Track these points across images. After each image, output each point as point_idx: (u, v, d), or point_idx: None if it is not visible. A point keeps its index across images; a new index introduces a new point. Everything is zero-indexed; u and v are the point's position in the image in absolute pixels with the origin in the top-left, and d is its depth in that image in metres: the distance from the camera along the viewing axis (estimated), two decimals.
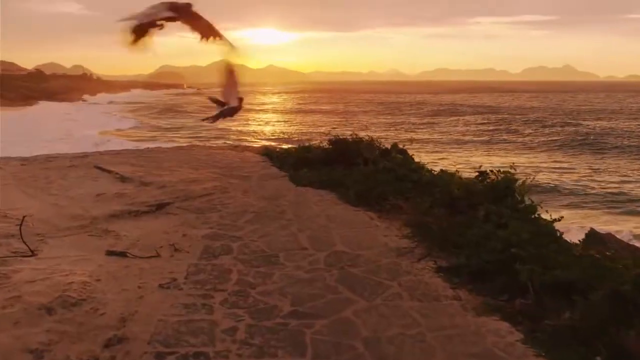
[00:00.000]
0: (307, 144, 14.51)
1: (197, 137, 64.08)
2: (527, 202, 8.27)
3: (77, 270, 6.15)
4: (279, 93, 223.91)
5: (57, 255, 6.77)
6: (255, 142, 56.28)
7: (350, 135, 12.35)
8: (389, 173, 9.73)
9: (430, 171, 10.01)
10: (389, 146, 12.30)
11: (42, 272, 6.02)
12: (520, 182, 8.47)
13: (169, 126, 76.09)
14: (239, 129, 73.51)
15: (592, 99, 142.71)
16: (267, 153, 13.83)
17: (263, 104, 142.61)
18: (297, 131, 69.29)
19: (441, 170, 9.99)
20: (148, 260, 6.79)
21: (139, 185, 10.17)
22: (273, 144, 52.03)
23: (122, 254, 6.90)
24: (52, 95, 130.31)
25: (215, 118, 5.90)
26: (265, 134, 66.57)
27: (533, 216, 7.98)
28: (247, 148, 16.45)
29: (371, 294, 6.03)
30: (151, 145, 48.76)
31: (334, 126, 68.98)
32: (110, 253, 6.93)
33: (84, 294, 5.60)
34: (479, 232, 7.25)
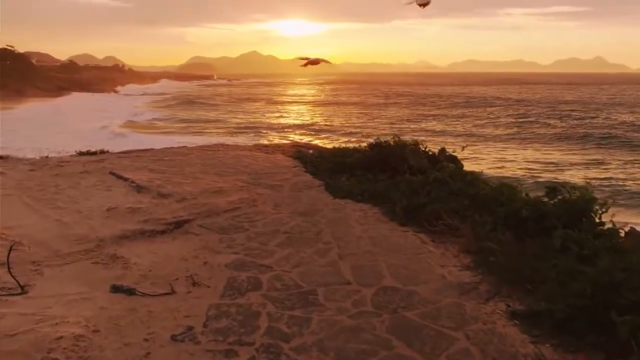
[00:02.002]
0: (343, 146, 13.35)
1: (225, 129, 63.20)
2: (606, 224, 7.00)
3: (70, 317, 5.01)
4: (309, 84, 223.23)
5: (51, 292, 5.63)
6: (287, 136, 55.28)
7: (392, 138, 11.07)
8: (442, 186, 8.41)
9: (487, 184, 8.66)
10: (425, 147, 11.06)
11: (28, 320, 4.89)
12: (601, 202, 7.15)
13: (196, 118, 75.54)
14: (270, 121, 72.82)
15: (623, 92, 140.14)
16: (300, 157, 12.59)
17: (294, 95, 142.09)
18: (330, 124, 68.25)
19: (501, 183, 8.64)
20: (160, 299, 5.62)
21: (156, 197, 9.01)
22: (305, 138, 51.13)
23: (130, 291, 5.73)
24: (85, 86, 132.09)
25: (308, 61, 10.16)
26: (296, 127, 65.40)
27: (616, 242, 6.69)
28: (277, 148, 15.27)
29: (433, 350, 4.80)
30: (176, 138, 48.39)
31: (367, 120, 68.13)
32: (115, 289, 5.77)
33: (76, 353, 4.45)
34: (560, 266, 5.97)
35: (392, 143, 10.93)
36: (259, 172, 11.17)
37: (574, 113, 76.69)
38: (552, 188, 7.70)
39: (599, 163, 40.00)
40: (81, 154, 17.45)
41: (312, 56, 10.30)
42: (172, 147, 15.15)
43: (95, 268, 6.37)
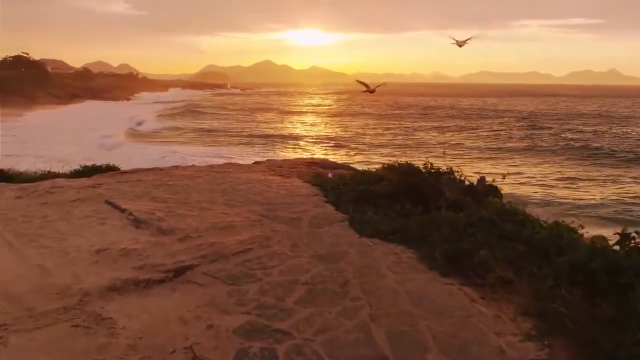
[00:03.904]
0: (366, 169, 12.19)
1: (238, 140, 62.33)
2: None
3: None
4: (322, 94, 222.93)
5: None
6: (301, 148, 54.38)
7: (424, 165, 9.83)
8: (489, 227, 7.12)
9: (541, 224, 7.35)
10: (461, 174, 9.81)
11: None
12: None
13: (208, 128, 74.86)
14: (283, 132, 72.05)
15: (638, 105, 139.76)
16: (319, 183, 11.32)
17: (307, 105, 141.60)
18: (344, 135, 67.39)
19: (556, 222, 7.37)
20: None
21: (156, 234, 7.78)
22: (320, 152, 50.08)
23: None
24: (98, 94, 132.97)
25: (368, 91, 14.16)
26: (311, 139, 64.42)
27: None
28: (292, 168, 14.08)
29: None
30: (187, 149, 47.44)
31: (381, 130, 67.17)
32: None
33: None
34: None
35: (423, 170, 9.69)
36: (274, 201, 9.94)
37: (586, 127, 75.99)
38: (624, 234, 6.45)
39: (614, 178, 39.08)
40: (84, 168, 16.42)
41: (371, 85, 13.50)
42: (179, 167, 14.01)
43: (73, 334, 5.16)
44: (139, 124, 74.12)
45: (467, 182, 9.52)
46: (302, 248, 7.55)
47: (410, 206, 8.93)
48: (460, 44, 9.24)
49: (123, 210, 8.80)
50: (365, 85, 13.78)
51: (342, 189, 10.36)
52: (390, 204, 9.21)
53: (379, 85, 14.57)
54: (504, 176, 9.56)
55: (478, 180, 9.40)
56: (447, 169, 9.64)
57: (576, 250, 6.54)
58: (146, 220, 8.29)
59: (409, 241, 7.69)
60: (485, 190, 9.05)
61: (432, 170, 9.52)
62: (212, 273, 6.56)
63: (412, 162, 12.22)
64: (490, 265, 6.45)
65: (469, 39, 9.27)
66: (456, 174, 9.60)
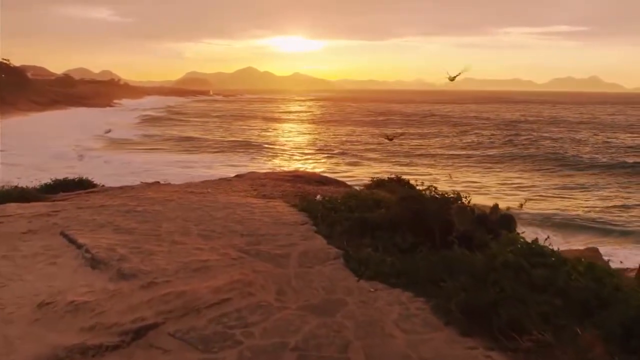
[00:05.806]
0: (357, 189, 11.09)
1: (220, 149, 61.05)
2: None
3: None
4: (305, 101, 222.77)
5: None
6: (284, 158, 53.29)
7: (427, 190, 8.61)
8: (516, 274, 5.89)
9: (577, 269, 6.13)
10: (469, 201, 8.64)
11: None
12: None
13: (189, 136, 73.50)
14: (266, 140, 71.06)
15: (619, 112, 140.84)
16: (307, 208, 9.97)
17: (291, 112, 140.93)
18: (328, 144, 66.31)
19: (591, 264, 6.20)
20: None
21: (115, 279, 6.45)
22: (304, 164, 48.89)
23: None
24: (80, 100, 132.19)
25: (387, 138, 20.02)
26: (294, 148, 63.17)
27: None
28: (277, 187, 12.92)
29: None
30: (166, 157, 46.12)
31: (366, 137, 66.26)
32: None
33: None
34: None
35: (426, 195, 8.48)
36: (256, 232, 8.62)
37: (569, 134, 76.07)
38: None
39: (596, 185, 38.63)
40: (55, 182, 15.63)
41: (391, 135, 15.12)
42: (151, 186, 12.76)
43: None
44: (114, 131, 72.80)
45: (475, 208, 8.34)
46: (290, 295, 6.29)
47: (413, 238, 7.75)
48: (452, 79, 9.78)
49: (79, 246, 7.47)
50: (387, 135, 15.17)
51: (334, 216, 9.09)
52: (390, 235, 8.02)
53: (396, 136, 17.67)
54: (521, 205, 8.39)
55: (491, 209, 8.22)
56: (454, 194, 8.43)
57: (622, 301, 5.41)
58: (105, 259, 6.95)
59: (416, 286, 6.47)
60: (499, 221, 7.87)
61: (438, 197, 8.30)
62: (180, 334, 5.26)
63: (403, 176, 11.15)
64: (523, 324, 5.24)
65: (459, 74, 9.75)
66: (465, 199, 8.41)
